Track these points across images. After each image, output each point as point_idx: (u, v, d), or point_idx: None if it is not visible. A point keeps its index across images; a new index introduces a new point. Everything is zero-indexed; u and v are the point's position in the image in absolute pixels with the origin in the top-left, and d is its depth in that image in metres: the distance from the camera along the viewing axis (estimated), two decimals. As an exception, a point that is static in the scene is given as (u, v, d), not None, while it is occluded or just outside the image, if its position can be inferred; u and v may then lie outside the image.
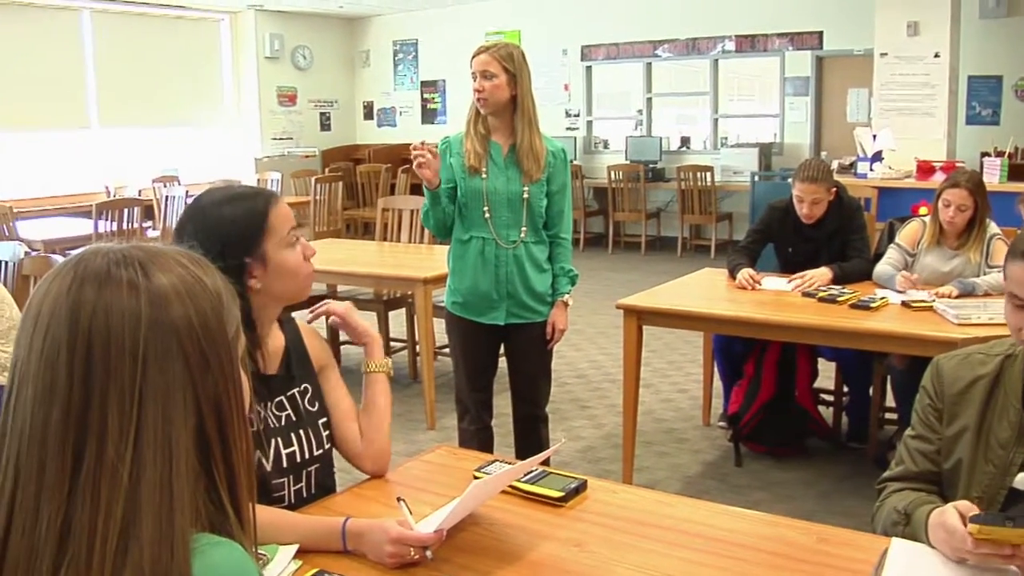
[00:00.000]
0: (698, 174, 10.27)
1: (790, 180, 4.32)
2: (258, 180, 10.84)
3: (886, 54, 7.99)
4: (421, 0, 12.07)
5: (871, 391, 4.37)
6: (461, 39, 12.32)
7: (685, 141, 11.56)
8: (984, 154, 8.54)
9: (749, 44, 10.67)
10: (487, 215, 3.28)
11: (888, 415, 4.45)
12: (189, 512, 0.92)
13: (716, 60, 11.01)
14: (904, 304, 3.75)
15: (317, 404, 1.95)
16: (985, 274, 4.03)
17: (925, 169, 7.22)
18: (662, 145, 11.13)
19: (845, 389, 4.59)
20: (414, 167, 3.27)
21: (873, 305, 3.72)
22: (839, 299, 3.84)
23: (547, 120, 11.75)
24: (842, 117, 10.21)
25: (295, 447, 1.88)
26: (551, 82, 11.87)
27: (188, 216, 1.81)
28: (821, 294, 3.92)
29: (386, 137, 13.57)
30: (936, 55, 7.75)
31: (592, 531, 1.76)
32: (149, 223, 8.60)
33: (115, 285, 0.93)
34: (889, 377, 4.19)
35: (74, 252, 1.02)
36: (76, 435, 0.90)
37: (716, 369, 4.72)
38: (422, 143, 3.25)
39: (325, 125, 13.52)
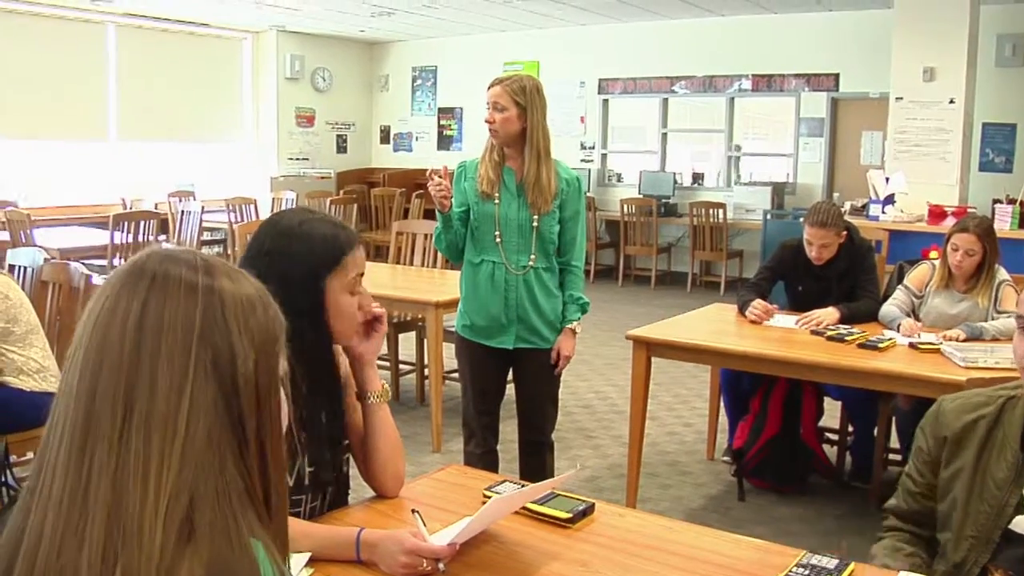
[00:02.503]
0: (710, 211, 10.32)
1: (802, 220, 4.37)
2: (273, 199, 10.95)
3: (901, 98, 8.05)
4: (441, 28, 12.19)
5: (876, 431, 4.39)
6: (480, 68, 12.47)
7: (698, 177, 11.63)
8: (996, 201, 8.58)
9: (765, 83, 10.76)
10: (498, 240, 3.34)
11: (892, 455, 4.47)
12: (236, 489, 0.96)
13: (732, 98, 11.10)
14: (911, 345, 3.78)
15: (339, 427, 1.99)
16: (993, 319, 4.06)
17: (937, 213, 7.26)
18: (676, 180, 11.20)
19: (850, 428, 4.61)
20: (429, 189, 3.34)
21: (881, 345, 3.76)
22: (847, 338, 3.87)
23: (562, 151, 11.81)
24: (856, 159, 10.27)
25: (316, 467, 1.91)
26: (567, 114, 11.97)
27: (265, 231, 1.87)
28: (829, 333, 3.95)
29: (402, 162, 13.68)
30: (951, 101, 7.81)
31: (599, 553, 1.79)
32: (163, 236, 8.69)
33: (176, 283, 0.97)
34: (894, 418, 4.22)
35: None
36: (126, 388, 0.93)
37: (722, 404, 4.75)
38: (437, 170, 3.31)
39: (341, 147, 13.64)
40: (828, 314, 4.13)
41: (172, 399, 0.93)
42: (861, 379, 3.64)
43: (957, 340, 3.82)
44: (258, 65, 12.63)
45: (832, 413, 4.74)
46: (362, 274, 1.91)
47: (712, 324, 4.32)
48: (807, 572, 1.69)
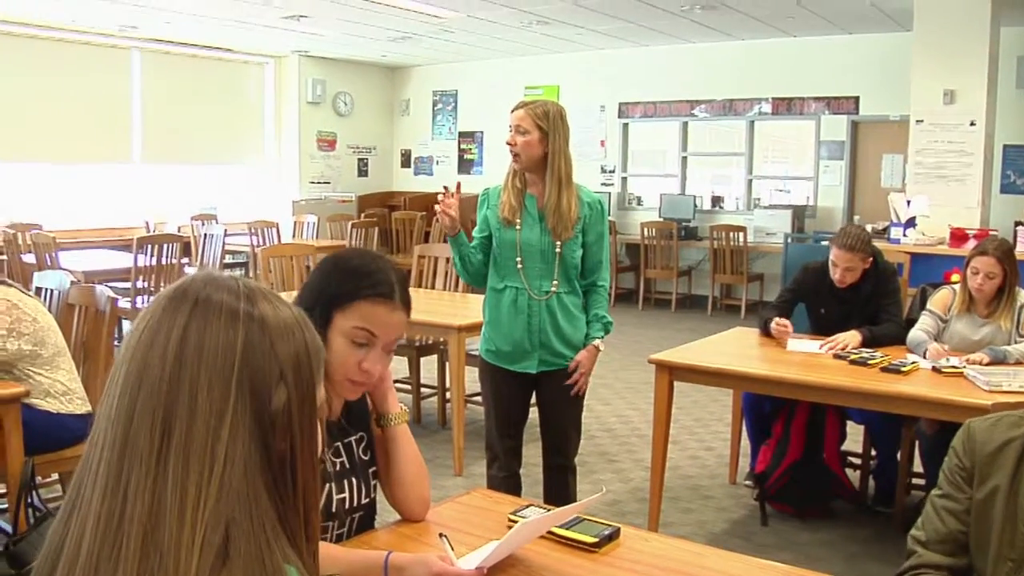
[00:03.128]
0: (731, 234, 10.32)
1: (827, 242, 4.36)
2: (295, 223, 11.03)
3: (922, 121, 8.04)
4: (461, 52, 12.29)
5: (899, 455, 4.36)
6: (500, 92, 12.55)
7: (718, 200, 11.63)
8: (1018, 223, 8.54)
9: (785, 107, 10.78)
10: (520, 266, 3.36)
11: (916, 480, 4.44)
12: (271, 511, 0.97)
13: (752, 121, 11.11)
14: (935, 369, 3.77)
15: (369, 453, 2.00)
16: (1016, 342, 4.04)
17: (959, 236, 7.23)
18: (696, 204, 11.20)
19: (873, 452, 4.59)
20: (437, 212, 3.34)
21: (904, 369, 3.74)
22: (870, 362, 3.86)
23: (583, 175, 11.86)
24: (876, 182, 10.26)
25: (345, 494, 1.92)
26: (588, 138, 12.02)
27: (318, 266, 1.91)
28: (852, 356, 3.94)
29: (422, 185, 13.75)
30: (972, 123, 7.80)
31: (624, 577, 1.80)
32: (186, 260, 8.75)
33: (217, 309, 0.98)
34: (918, 442, 4.20)
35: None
36: (165, 412, 0.94)
37: (744, 427, 4.73)
38: (448, 192, 3.31)
39: (363, 171, 13.73)
40: (851, 337, 4.12)
41: (212, 425, 0.94)
42: (885, 403, 3.63)
43: (981, 364, 3.80)
44: (280, 89, 12.75)
45: (854, 437, 4.72)
46: (374, 334, 1.79)
47: (735, 347, 4.31)
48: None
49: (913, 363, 3.83)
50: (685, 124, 11.64)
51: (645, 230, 10.82)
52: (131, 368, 0.97)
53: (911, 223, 7.24)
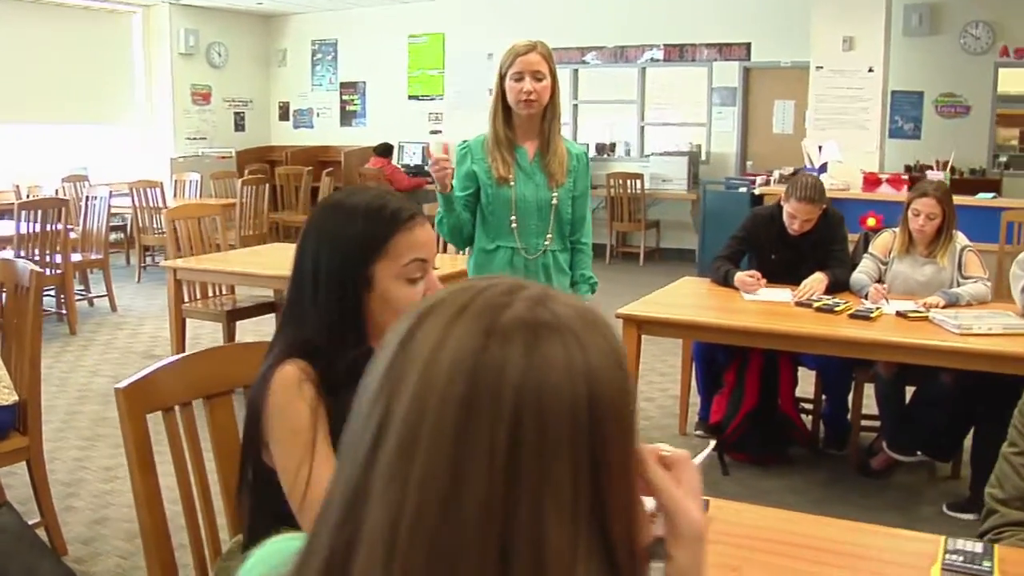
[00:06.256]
0: (627, 181, 10.33)
1: (783, 195, 4.35)
2: (175, 181, 10.47)
3: (822, 67, 8.17)
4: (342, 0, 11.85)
5: (851, 399, 4.43)
6: (382, 41, 12.20)
7: (608, 147, 11.60)
8: (908, 167, 8.84)
9: (677, 53, 10.81)
10: (514, 224, 3.17)
11: (866, 423, 4.52)
12: None
13: (644, 68, 11.11)
14: (899, 314, 3.82)
15: None
16: (959, 284, 4.16)
17: (871, 180, 7.41)
18: (588, 151, 11.15)
19: (823, 397, 4.65)
20: (431, 171, 3.11)
21: (872, 315, 3.78)
22: (836, 309, 3.88)
23: (473, 126, 11.69)
24: (768, 128, 10.43)
25: None
26: (477, 87, 11.79)
27: (313, 220, 1.64)
28: (817, 304, 3.95)
29: (302, 139, 13.28)
30: (870, 69, 7.97)
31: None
32: (70, 226, 8.16)
33: (546, 346, 0.69)
34: (875, 385, 4.26)
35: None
36: (500, 531, 0.66)
37: (694, 378, 4.72)
38: (444, 148, 3.12)
39: (239, 125, 13.15)
40: (818, 280, 4.16)
41: (565, 539, 0.67)
42: (860, 350, 3.66)
43: (938, 307, 3.88)
44: (150, 41, 12.02)
45: (805, 382, 4.77)
46: (423, 260, 1.61)
47: (693, 299, 4.28)
48: (962, 558, 1.63)
49: (878, 309, 3.87)
50: (576, 71, 11.53)
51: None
52: (418, 422, 0.68)
53: (823, 169, 7.37)
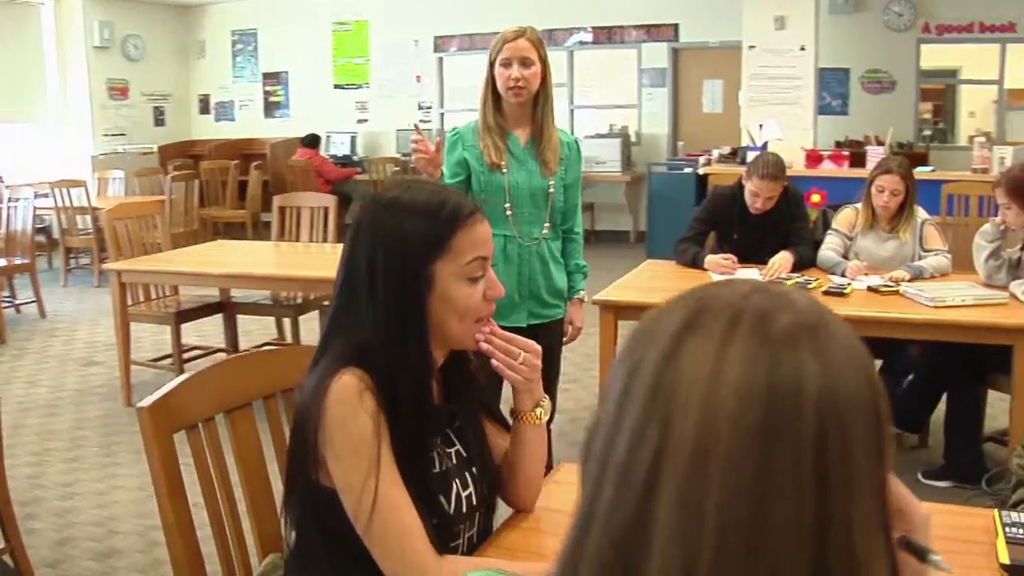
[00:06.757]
0: (562, 165, 10.29)
1: (745, 173, 4.35)
2: (98, 179, 10.10)
3: (754, 47, 8.24)
4: (262, -12, 11.57)
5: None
6: (305, 29, 11.95)
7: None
8: (838, 143, 8.98)
9: (606, 36, 10.80)
10: (508, 212, 3.10)
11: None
12: None
13: (572, 51, 11.08)
14: (871, 289, 3.86)
15: (479, 432, 1.71)
16: (921, 257, 4.23)
17: (813, 157, 7.50)
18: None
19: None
20: (413, 159, 3.05)
21: (845, 291, 3.81)
22: (809, 286, 3.89)
23: (399, 112, 11.55)
24: (698, 108, 10.50)
25: (471, 488, 1.63)
26: (403, 74, 11.65)
27: (366, 219, 1.55)
28: (789, 283, 3.96)
29: (224, 132, 12.93)
30: (802, 47, 8.07)
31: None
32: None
33: (828, 347, 0.64)
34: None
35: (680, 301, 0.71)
36: (812, 548, 0.62)
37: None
38: (417, 129, 3.05)
39: (159, 120, 12.75)
40: (785, 259, 4.17)
41: (873, 548, 0.64)
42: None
43: (904, 280, 3.93)
44: (62, 34, 11.55)
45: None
46: (484, 258, 1.56)
47: (663, 282, 4.25)
48: (1019, 531, 1.63)
49: (850, 284, 3.90)
50: (504, 57, 11.44)
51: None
52: (722, 448, 0.62)
53: (765, 147, 7.43)
